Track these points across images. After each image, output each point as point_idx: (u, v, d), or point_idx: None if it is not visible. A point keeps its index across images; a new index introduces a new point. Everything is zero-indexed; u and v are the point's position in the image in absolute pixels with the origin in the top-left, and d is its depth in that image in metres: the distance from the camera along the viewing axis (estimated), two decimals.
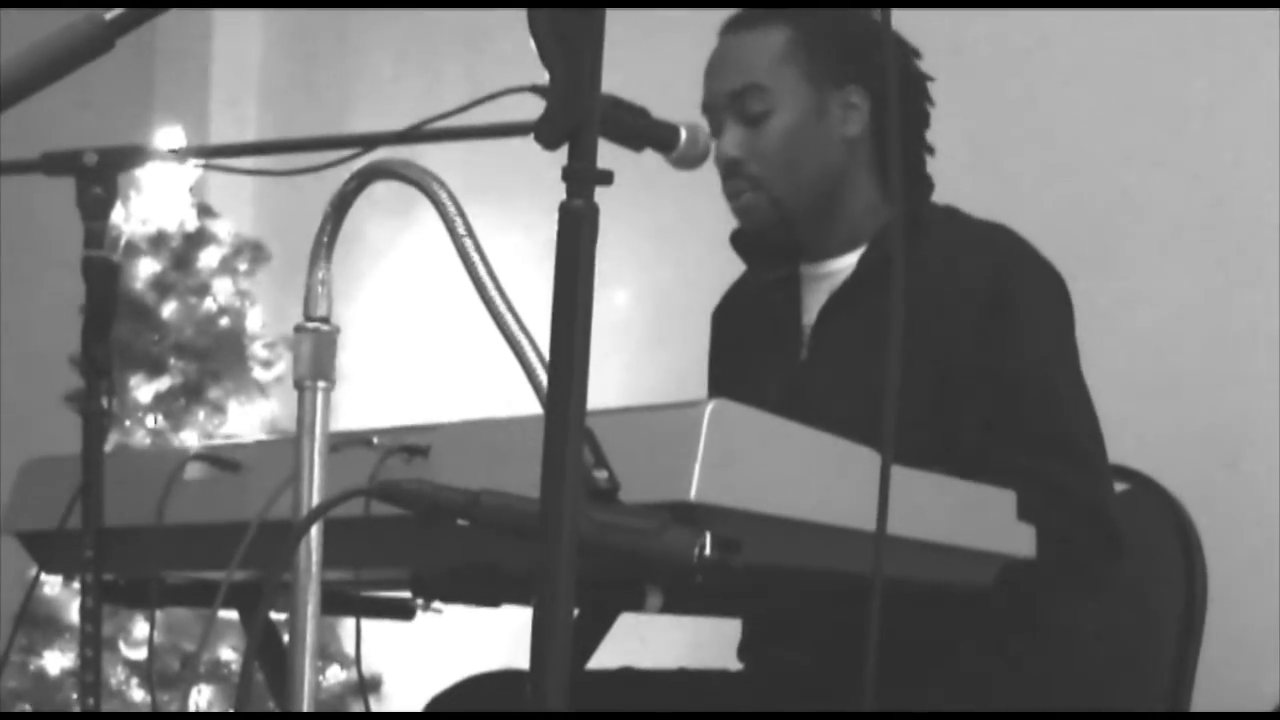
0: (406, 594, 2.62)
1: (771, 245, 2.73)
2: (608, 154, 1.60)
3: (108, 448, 2.38)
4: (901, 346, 2.48)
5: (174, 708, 4.57)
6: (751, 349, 2.80)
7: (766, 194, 2.66)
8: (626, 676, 2.71)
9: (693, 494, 1.87)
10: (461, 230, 1.95)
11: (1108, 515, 2.51)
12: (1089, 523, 2.48)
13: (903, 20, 1.92)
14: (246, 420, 4.89)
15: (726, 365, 2.88)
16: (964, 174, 2.80)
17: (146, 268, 4.91)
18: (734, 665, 2.78)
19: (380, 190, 2.08)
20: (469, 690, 2.70)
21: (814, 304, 2.73)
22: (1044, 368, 2.57)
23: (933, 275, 2.58)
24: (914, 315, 2.52)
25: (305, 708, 1.99)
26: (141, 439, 4.79)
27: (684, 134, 2.20)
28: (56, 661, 4.72)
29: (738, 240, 2.77)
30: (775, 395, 2.64)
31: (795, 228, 2.68)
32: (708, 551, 1.80)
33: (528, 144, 1.65)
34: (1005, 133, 3.94)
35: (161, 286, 4.91)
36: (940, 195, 2.76)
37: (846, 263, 2.71)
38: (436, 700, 2.71)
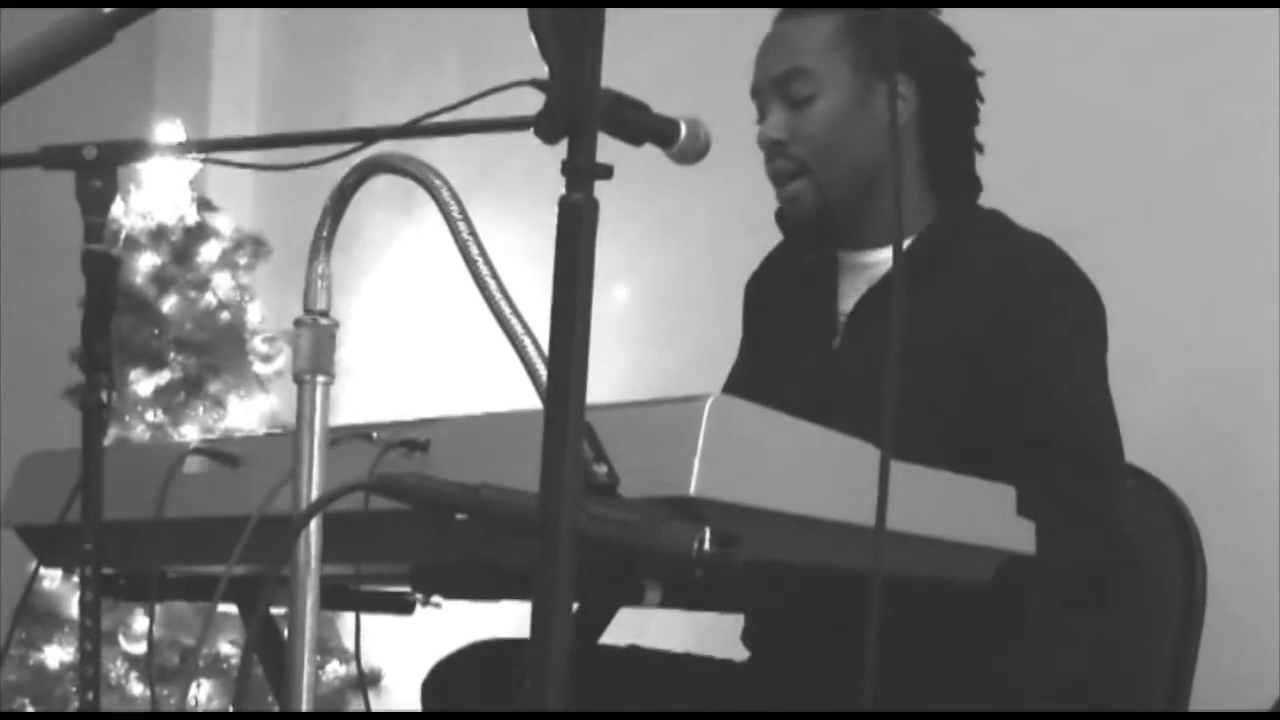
0: (406, 588, 2.62)
1: (817, 238, 2.73)
2: (607, 148, 1.60)
3: (107, 442, 2.38)
4: (932, 349, 2.50)
5: (173, 702, 4.57)
6: (785, 329, 2.79)
7: (811, 180, 2.67)
8: (633, 655, 2.71)
9: (692, 489, 1.87)
10: (461, 225, 1.95)
11: (1123, 532, 2.52)
12: (1104, 538, 2.49)
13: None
14: (246, 414, 4.89)
15: (759, 341, 2.88)
16: None
17: (146, 262, 4.91)
18: (734, 656, 2.78)
19: (380, 184, 2.08)
20: (471, 656, 2.70)
21: (851, 293, 2.73)
22: (1072, 383, 2.57)
23: (972, 280, 2.59)
24: (952, 320, 2.53)
25: (304, 703, 1.99)
26: (141, 433, 4.79)
27: (684, 129, 2.20)
28: (56, 655, 4.72)
29: (782, 219, 2.76)
30: (807, 381, 2.64)
31: (837, 214, 2.68)
32: (707, 546, 1.80)
33: (528, 138, 1.65)
34: (1003, 133, 3.93)
35: (161, 281, 4.91)
36: None
37: (887, 255, 2.71)
38: (437, 668, 2.71)
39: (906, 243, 2.68)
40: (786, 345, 2.78)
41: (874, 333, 2.66)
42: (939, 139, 2.71)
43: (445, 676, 2.70)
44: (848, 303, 2.73)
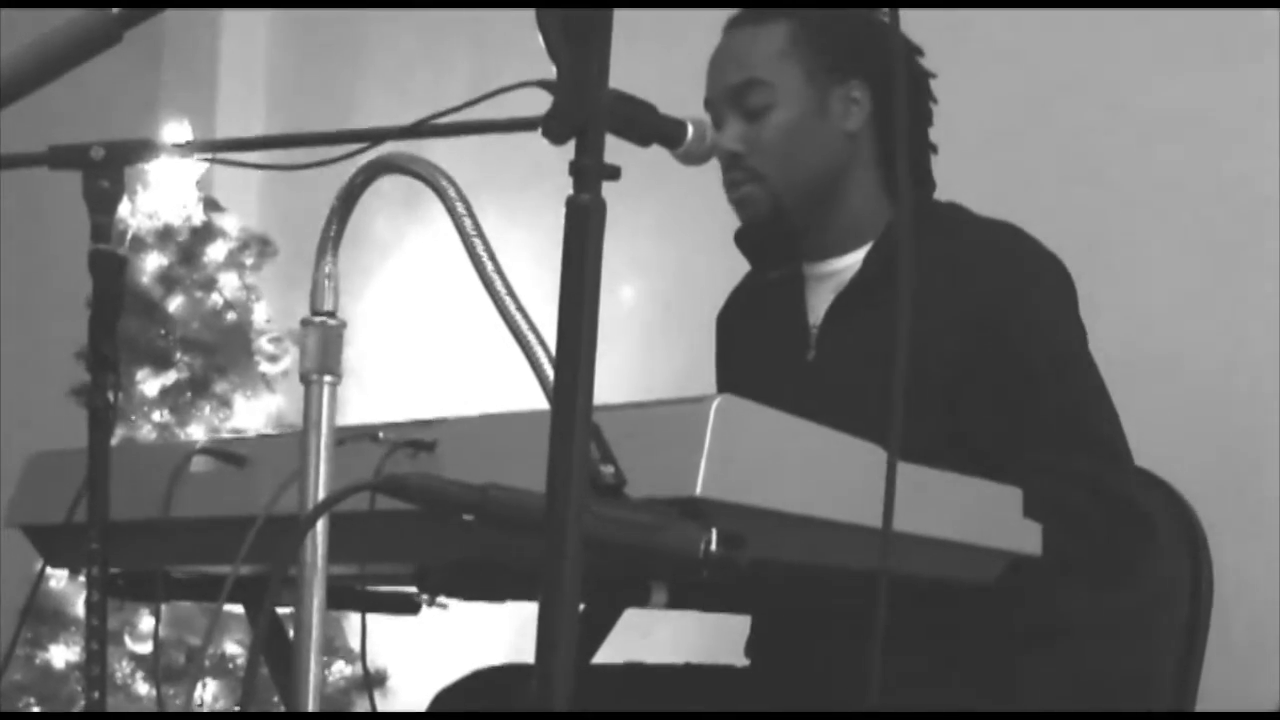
0: (412, 589, 2.62)
1: (773, 242, 2.73)
2: (614, 149, 1.60)
3: (114, 441, 2.38)
4: (911, 345, 2.50)
5: (179, 702, 4.57)
6: (758, 351, 2.80)
7: (765, 186, 2.67)
8: (633, 672, 2.71)
9: (698, 489, 1.86)
10: (468, 225, 1.95)
11: (1136, 502, 2.52)
12: (1121, 512, 2.49)
13: (903, 18, 1.93)
14: (252, 414, 4.89)
15: (733, 368, 2.88)
16: (964, 173, 2.80)
17: (153, 262, 4.92)
18: (739, 661, 2.78)
19: (387, 185, 2.08)
20: (475, 684, 2.70)
21: (819, 304, 2.73)
22: (1063, 363, 2.58)
23: (941, 273, 2.58)
24: (924, 314, 2.52)
25: (310, 703, 1.99)
26: (148, 433, 4.79)
27: (691, 129, 2.20)
28: (62, 655, 4.73)
29: (742, 239, 2.77)
30: (784, 397, 2.63)
31: (793, 221, 2.68)
32: (713, 547, 1.80)
33: (535, 139, 1.65)
34: (1005, 132, 3.94)
35: (168, 281, 4.92)
36: (941, 193, 2.76)
37: (850, 261, 2.71)
38: (442, 694, 2.71)
39: (866, 248, 2.68)
40: (762, 365, 2.77)
41: (846, 340, 2.66)
42: (894, 142, 2.71)
43: (449, 703, 2.70)
44: (817, 314, 2.72)
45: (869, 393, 2.31)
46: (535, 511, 1.61)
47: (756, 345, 2.81)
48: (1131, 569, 2.53)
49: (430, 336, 5.18)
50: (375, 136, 2.33)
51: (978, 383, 2.54)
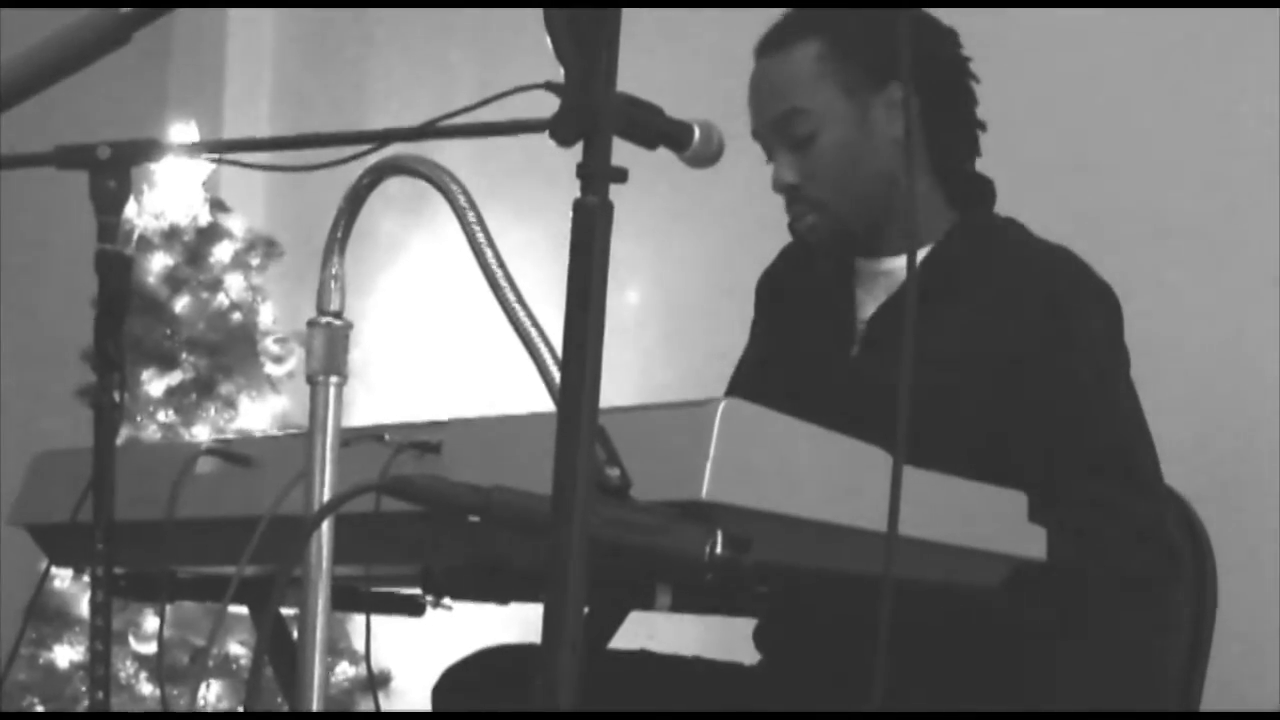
0: (416, 590, 2.62)
1: (835, 252, 2.72)
2: (622, 151, 1.60)
3: (119, 441, 2.38)
4: (956, 358, 2.50)
5: (183, 702, 4.57)
6: (800, 334, 2.77)
7: (826, 214, 2.64)
8: (642, 660, 2.70)
9: (704, 492, 1.86)
10: (475, 227, 1.95)
11: (1167, 533, 2.52)
12: (1151, 543, 2.49)
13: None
14: (258, 415, 4.89)
15: (772, 343, 2.85)
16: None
17: (159, 262, 4.92)
18: (745, 658, 2.78)
19: (394, 186, 2.08)
20: (482, 661, 2.69)
21: (869, 301, 2.71)
22: (1103, 389, 2.57)
23: (992, 290, 2.58)
24: (978, 331, 2.53)
25: (315, 704, 2.00)
26: (153, 433, 4.79)
27: (698, 132, 2.20)
28: (66, 655, 4.73)
29: (796, 236, 2.75)
30: (826, 389, 2.62)
31: (857, 236, 2.67)
32: (718, 550, 1.80)
33: (542, 141, 1.65)
34: (1010, 138, 3.93)
35: (174, 281, 4.92)
36: None
37: (905, 262, 2.70)
38: (449, 672, 2.70)
39: (924, 251, 2.67)
40: (803, 351, 2.76)
41: (893, 341, 2.64)
42: (943, 137, 2.69)
43: (456, 682, 2.70)
44: (866, 310, 2.71)
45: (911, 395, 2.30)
46: (540, 514, 1.61)
47: (798, 328, 2.78)
48: (1153, 599, 2.53)
49: (436, 338, 5.18)
50: (382, 138, 2.33)
51: (1018, 401, 2.53)
